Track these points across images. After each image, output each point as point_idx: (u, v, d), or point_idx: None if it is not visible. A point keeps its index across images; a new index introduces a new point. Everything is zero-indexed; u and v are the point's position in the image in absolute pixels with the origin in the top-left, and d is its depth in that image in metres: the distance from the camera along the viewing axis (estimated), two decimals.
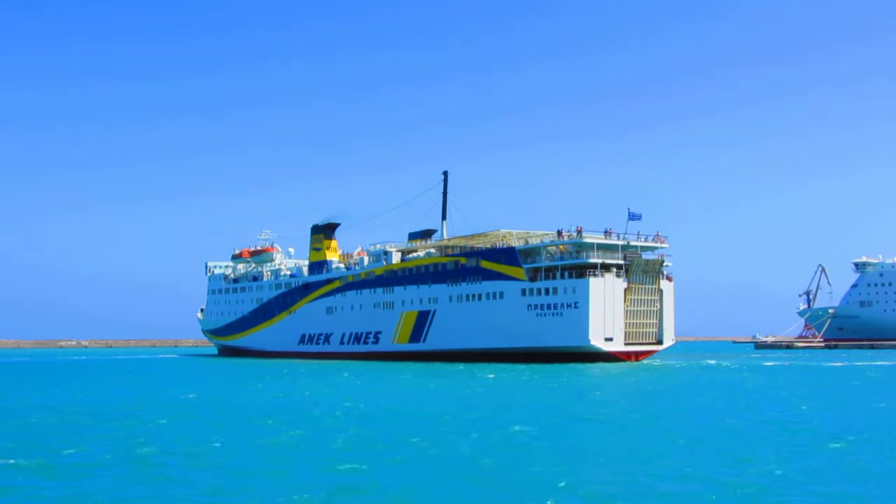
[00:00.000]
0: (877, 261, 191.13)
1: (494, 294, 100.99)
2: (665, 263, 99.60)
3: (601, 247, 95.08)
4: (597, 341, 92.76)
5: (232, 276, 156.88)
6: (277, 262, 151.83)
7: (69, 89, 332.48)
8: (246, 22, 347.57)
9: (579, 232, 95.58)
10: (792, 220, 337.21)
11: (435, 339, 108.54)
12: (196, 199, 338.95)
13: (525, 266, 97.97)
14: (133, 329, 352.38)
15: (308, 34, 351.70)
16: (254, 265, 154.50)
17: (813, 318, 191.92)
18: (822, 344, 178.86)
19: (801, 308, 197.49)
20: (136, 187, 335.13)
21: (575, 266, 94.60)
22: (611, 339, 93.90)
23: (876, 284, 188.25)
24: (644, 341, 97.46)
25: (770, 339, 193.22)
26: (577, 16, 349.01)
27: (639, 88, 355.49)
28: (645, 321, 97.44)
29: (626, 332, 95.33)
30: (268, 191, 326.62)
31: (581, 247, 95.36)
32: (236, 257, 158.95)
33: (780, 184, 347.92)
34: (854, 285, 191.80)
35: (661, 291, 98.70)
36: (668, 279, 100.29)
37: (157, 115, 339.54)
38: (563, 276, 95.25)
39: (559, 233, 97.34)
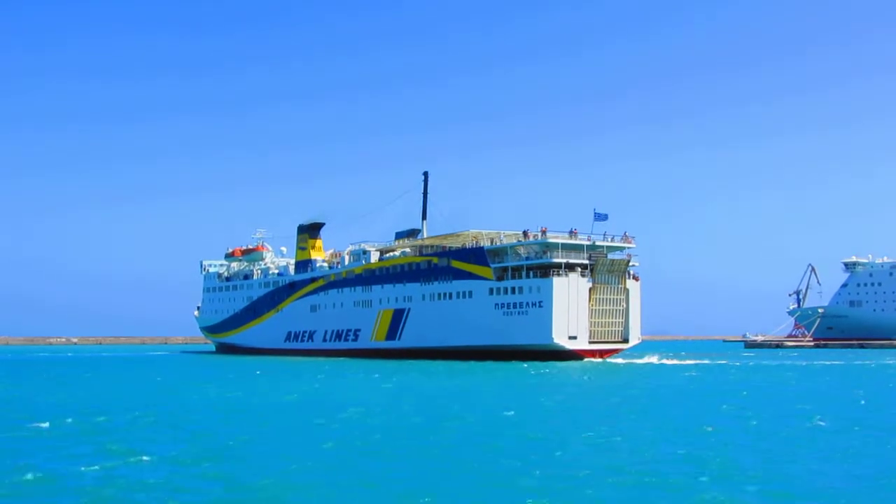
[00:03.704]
0: (866, 261, 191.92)
1: (464, 293, 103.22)
2: (631, 263, 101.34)
3: (566, 247, 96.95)
4: (560, 339, 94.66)
5: (225, 274, 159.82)
6: (267, 260, 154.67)
7: (63, 88, 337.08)
8: (241, 23, 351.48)
9: (544, 232, 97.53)
10: (783, 220, 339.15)
11: (409, 337, 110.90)
12: (190, 197, 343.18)
13: (493, 266, 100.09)
14: (122, 326, 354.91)
15: (305, 34, 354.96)
16: (245, 264, 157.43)
17: (803, 317, 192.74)
18: (812, 343, 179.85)
19: (792, 307, 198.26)
20: (128, 185, 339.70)
21: (540, 266, 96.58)
22: (575, 338, 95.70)
23: (865, 284, 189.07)
24: (609, 340, 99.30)
25: (760, 338, 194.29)
26: (551, 22, 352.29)
27: (626, 88, 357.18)
28: (610, 320, 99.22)
29: (591, 331, 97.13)
30: (264, 190, 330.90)
31: (547, 247, 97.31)
32: (229, 256, 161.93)
33: (771, 184, 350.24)
34: (844, 285, 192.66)
35: (627, 291, 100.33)
36: (635, 278, 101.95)
37: (153, 114, 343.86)
38: (528, 276, 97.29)
39: (525, 233, 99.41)
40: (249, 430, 32.52)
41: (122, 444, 28.33)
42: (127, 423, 35.12)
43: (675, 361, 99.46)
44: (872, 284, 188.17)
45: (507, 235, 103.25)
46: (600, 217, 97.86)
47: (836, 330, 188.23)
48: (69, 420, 35.61)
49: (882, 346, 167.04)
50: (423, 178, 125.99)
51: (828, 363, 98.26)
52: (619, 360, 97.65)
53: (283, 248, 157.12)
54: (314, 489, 21.17)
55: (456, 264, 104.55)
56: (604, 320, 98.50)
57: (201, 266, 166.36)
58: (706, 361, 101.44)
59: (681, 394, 50.51)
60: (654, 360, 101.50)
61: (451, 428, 32.84)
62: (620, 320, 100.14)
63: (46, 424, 33.90)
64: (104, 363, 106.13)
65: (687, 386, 58.32)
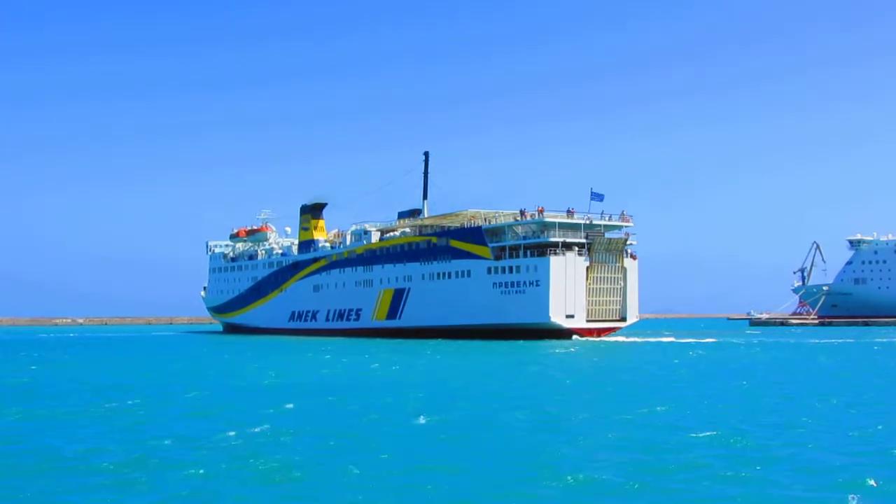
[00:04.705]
0: (871, 238, 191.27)
1: (462, 272, 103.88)
2: (629, 242, 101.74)
3: (563, 226, 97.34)
4: (557, 318, 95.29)
5: (231, 254, 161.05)
6: (271, 241, 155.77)
7: (68, 66, 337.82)
8: (242, 2, 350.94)
9: (541, 212, 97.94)
10: (787, 198, 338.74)
11: (410, 316, 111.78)
12: (196, 177, 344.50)
13: (491, 245, 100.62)
14: (126, 306, 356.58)
15: (307, 13, 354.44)
16: (250, 244, 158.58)
17: (807, 295, 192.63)
18: (817, 321, 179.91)
19: (796, 285, 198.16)
20: (134, 165, 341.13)
21: (537, 245, 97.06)
22: (572, 316, 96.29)
23: (870, 262, 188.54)
24: (606, 318, 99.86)
25: (765, 315, 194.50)
26: (550, 3, 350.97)
27: (626, 68, 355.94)
28: (608, 298, 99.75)
29: (588, 310, 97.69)
30: (270, 170, 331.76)
31: (544, 226, 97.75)
32: (234, 237, 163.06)
33: (777, 162, 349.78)
34: (848, 262, 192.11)
35: (624, 269, 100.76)
36: (633, 257, 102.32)
37: (159, 93, 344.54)
38: (525, 255, 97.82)
39: (522, 212, 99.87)
40: (303, 416, 31.40)
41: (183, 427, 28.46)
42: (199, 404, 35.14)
43: (690, 339, 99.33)
44: (877, 262, 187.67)
45: (504, 215, 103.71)
46: (597, 197, 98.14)
47: (840, 308, 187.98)
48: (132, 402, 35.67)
49: (887, 324, 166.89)
50: (423, 158, 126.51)
51: (849, 341, 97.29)
52: (636, 339, 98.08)
53: (288, 229, 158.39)
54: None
55: (454, 244, 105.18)
56: (601, 299, 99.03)
57: (207, 246, 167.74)
58: (713, 340, 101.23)
59: (730, 372, 49.84)
60: (672, 338, 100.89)
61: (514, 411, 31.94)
62: (618, 298, 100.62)
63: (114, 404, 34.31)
64: (121, 344, 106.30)
65: (729, 364, 57.43)
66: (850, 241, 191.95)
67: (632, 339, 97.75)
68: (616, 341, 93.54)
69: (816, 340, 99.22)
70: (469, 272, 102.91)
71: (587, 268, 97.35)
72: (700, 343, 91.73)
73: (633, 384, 42.44)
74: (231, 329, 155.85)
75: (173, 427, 27.93)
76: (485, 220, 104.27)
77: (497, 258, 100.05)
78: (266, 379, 47.05)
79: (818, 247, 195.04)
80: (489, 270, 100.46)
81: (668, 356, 67.03)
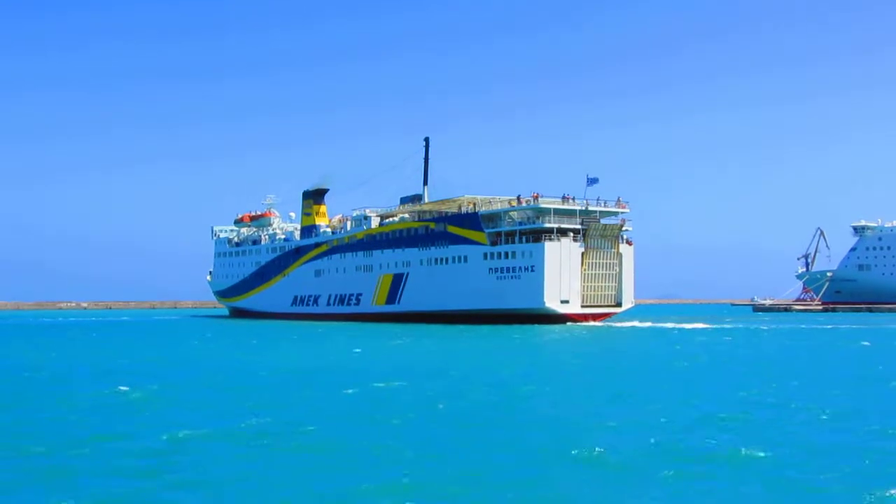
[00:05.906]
0: (875, 224, 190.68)
1: (459, 258, 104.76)
2: (625, 228, 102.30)
3: (558, 212, 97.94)
4: (552, 303, 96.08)
5: (235, 239, 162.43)
6: (275, 226, 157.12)
7: (73, 53, 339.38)
8: None
9: (536, 198, 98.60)
10: (791, 184, 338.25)
11: (408, 301, 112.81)
12: (199, 163, 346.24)
13: (487, 231, 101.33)
14: (130, 290, 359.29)
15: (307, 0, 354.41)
16: (254, 229, 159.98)
17: (811, 281, 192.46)
18: (821, 307, 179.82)
19: (800, 271, 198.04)
20: (137, 152, 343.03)
21: (532, 231, 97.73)
22: (567, 302, 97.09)
23: (874, 248, 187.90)
24: (602, 304, 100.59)
25: (768, 301, 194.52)
26: None
27: (626, 56, 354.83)
28: (603, 284, 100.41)
29: (583, 295, 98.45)
30: (276, 155, 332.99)
31: (540, 212, 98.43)
32: (238, 222, 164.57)
33: (780, 149, 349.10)
34: (852, 249, 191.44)
35: (620, 255, 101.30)
36: (628, 243, 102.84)
37: (164, 80, 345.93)
38: (521, 241, 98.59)
39: (518, 198, 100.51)
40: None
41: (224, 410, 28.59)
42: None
43: (709, 325, 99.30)
44: (881, 248, 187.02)
45: (500, 201, 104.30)
46: (592, 181, 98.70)
47: (844, 294, 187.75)
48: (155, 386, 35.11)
49: (890, 310, 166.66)
50: (424, 144, 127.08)
51: (861, 327, 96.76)
52: (654, 324, 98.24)
53: (292, 214, 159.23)
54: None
55: (452, 229, 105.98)
56: (596, 284, 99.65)
57: (212, 231, 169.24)
58: (727, 325, 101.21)
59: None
60: (700, 325, 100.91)
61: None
62: (613, 284, 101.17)
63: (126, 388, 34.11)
64: (133, 328, 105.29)
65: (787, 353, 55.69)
66: (855, 228, 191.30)
67: (647, 324, 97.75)
68: (632, 326, 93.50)
69: (831, 325, 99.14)
70: (465, 258, 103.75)
71: (582, 253, 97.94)
72: (725, 329, 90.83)
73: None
74: (237, 313, 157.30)
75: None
76: (481, 205, 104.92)
77: (493, 244, 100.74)
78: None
79: (822, 233, 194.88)
80: (485, 256, 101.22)
81: (721, 342, 66.46)
